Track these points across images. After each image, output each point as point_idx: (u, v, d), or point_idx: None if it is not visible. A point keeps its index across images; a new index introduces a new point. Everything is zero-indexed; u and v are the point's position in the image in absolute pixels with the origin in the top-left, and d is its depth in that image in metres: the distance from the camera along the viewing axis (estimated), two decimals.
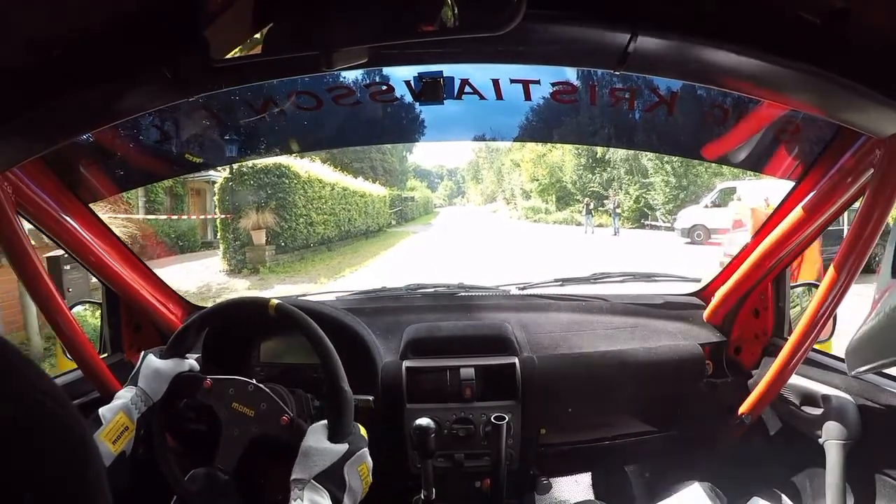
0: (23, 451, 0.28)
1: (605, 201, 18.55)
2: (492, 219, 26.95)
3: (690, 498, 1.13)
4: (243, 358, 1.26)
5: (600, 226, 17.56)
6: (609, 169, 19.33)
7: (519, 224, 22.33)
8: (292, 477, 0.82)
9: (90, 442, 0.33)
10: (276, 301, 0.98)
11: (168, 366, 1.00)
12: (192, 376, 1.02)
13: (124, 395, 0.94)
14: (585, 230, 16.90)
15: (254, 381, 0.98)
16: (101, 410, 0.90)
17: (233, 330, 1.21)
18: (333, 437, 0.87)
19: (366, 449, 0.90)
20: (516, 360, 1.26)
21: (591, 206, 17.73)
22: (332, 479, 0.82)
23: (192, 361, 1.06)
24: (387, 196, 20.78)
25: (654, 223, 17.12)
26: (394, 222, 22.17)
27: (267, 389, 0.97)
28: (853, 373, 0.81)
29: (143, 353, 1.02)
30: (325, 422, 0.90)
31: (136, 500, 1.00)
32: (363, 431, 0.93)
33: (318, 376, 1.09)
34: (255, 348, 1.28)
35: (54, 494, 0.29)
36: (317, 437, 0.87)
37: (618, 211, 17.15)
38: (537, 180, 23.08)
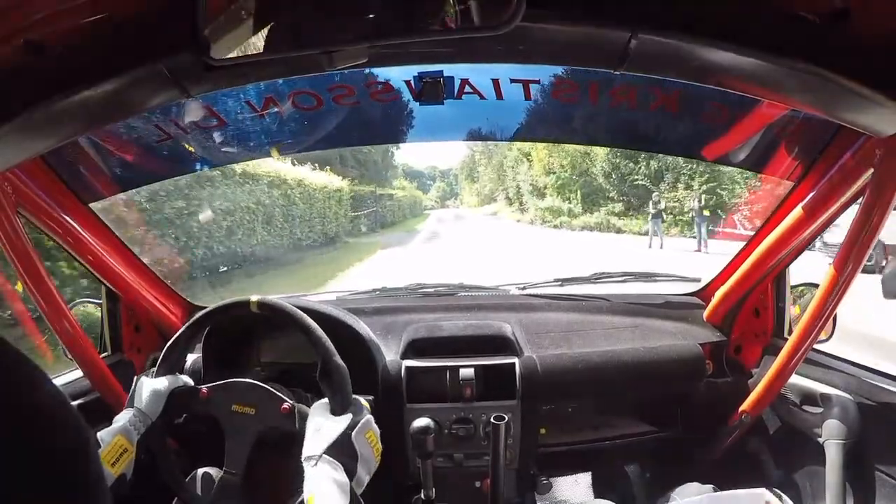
0: (21, 451, 0.28)
1: (652, 200, 12.80)
2: (494, 223, 21.19)
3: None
4: (242, 359, 1.26)
5: (643, 233, 12.90)
6: (658, 156, 13.65)
7: (533, 231, 17.05)
8: (303, 455, 0.81)
9: (90, 442, 0.33)
10: (257, 298, 0.99)
11: (162, 384, 0.99)
12: (188, 389, 1.01)
13: (122, 417, 0.94)
14: (651, 242, 11.83)
15: (249, 380, 0.98)
16: (100, 434, 0.90)
17: (226, 333, 1.21)
18: (335, 410, 0.88)
19: (370, 416, 0.90)
20: (516, 360, 1.26)
21: (662, 206, 12.25)
22: (342, 450, 0.82)
23: (185, 377, 1.05)
24: (345, 189, 14.13)
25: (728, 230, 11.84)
26: (364, 228, 16.81)
27: (263, 385, 0.97)
28: (890, 297, 0.84)
29: (135, 378, 1.01)
30: (326, 400, 0.91)
31: None
32: (365, 402, 0.93)
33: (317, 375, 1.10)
34: (254, 349, 1.27)
35: (53, 494, 0.29)
36: (320, 412, 0.88)
37: (705, 214, 11.34)
38: (554, 173, 18.02)
